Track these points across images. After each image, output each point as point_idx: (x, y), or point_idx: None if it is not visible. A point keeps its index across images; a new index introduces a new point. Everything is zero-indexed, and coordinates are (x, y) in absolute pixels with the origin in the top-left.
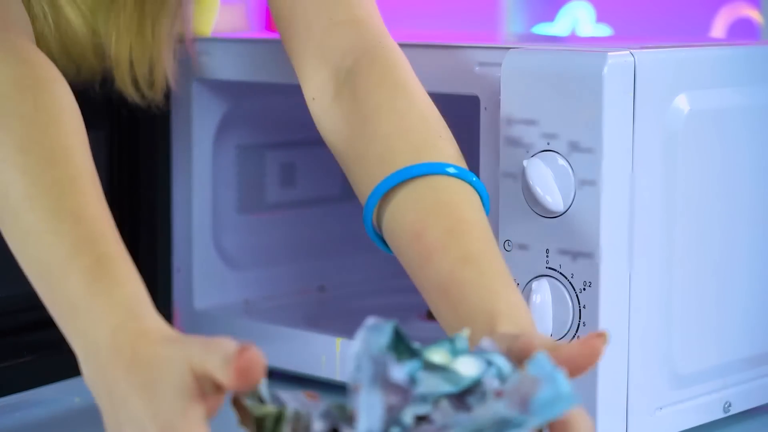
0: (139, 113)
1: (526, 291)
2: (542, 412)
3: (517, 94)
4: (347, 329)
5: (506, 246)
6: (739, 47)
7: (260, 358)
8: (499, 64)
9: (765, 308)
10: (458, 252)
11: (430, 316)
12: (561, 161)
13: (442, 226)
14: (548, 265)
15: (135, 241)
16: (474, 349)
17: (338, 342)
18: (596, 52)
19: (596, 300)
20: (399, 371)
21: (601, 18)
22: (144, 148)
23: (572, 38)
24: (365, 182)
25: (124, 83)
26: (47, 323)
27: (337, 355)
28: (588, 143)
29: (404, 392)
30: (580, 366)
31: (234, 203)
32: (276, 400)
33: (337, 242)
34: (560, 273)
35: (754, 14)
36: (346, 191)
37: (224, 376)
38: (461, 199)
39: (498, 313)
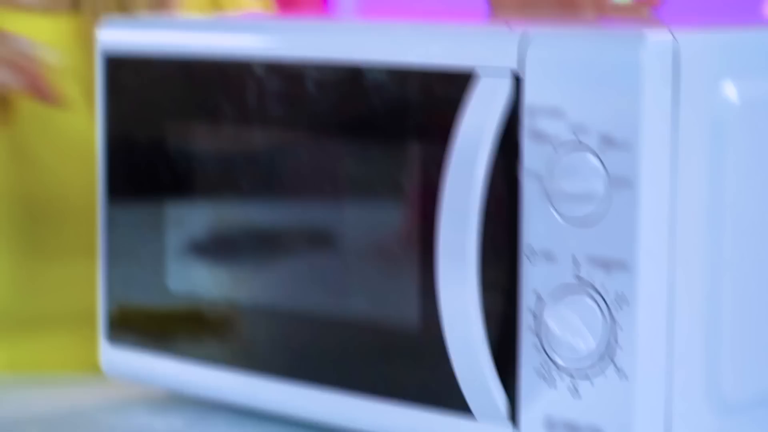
0: None
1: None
2: None
3: (541, 83)
4: None
5: (527, 254)
6: None
7: None
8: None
9: None
10: None
11: None
12: (592, 159)
13: None
14: (578, 276)
15: None
16: None
17: None
18: (632, 34)
19: (633, 319)
20: None
21: None
22: None
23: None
24: None
25: None
26: None
27: None
28: (623, 138)
29: None
30: None
31: None
32: None
33: None
34: (591, 286)
35: None
36: None
37: None
38: None
39: None
